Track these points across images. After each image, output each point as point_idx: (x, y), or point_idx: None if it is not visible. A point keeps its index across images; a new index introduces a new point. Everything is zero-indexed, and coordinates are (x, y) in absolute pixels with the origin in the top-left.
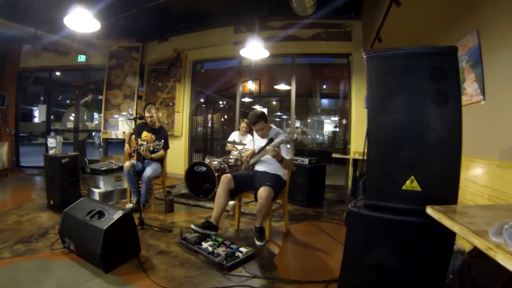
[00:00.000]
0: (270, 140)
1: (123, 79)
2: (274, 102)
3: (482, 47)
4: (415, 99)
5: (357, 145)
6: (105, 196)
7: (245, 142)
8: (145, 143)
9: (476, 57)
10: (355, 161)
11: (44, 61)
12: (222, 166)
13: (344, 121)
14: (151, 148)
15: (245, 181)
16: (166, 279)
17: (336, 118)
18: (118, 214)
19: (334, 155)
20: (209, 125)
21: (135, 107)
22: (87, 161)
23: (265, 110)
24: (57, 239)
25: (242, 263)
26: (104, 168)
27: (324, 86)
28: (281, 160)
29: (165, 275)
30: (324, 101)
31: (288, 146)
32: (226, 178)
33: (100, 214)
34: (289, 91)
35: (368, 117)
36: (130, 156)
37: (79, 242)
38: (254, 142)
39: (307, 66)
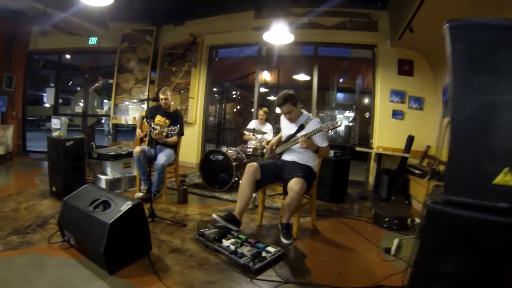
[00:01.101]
0: (301, 127)
1: (135, 63)
2: None
3: None
4: (510, 77)
5: (380, 140)
6: (113, 184)
7: (265, 131)
8: (158, 127)
9: None
10: (379, 156)
11: (54, 42)
12: (239, 155)
13: (367, 115)
14: (164, 134)
15: (273, 171)
16: (183, 285)
17: (351, 113)
18: (126, 206)
19: (358, 149)
20: (222, 115)
21: (146, 93)
22: (94, 146)
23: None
24: (56, 230)
25: (271, 265)
26: (112, 153)
27: (341, 80)
28: (316, 150)
29: (181, 279)
30: (339, 96)
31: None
32: (252, 167)
33: (105, 205)
34: (307, 83)
35: (451, 96)
36: (141, 141)
37: (80, 236)
38: (281, 128)
39: (325, 59)
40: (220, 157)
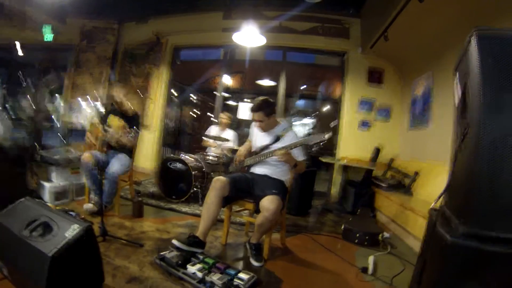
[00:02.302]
0: (277, 139)
1: (94, 63)
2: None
3: None
4: None
5: (345, 150)
6: (58, 192)
7: (228, 138)
8: (111, 129)
9: None
10: (345, 167)
11: (5, 35)
12: (199, 164)
13: (332, 124)
14: (118, 135)
15: (243, 187)
16: None
17: (309, 120)
18: (72, 230)
19: (324, 160)
20: (180, 119)
21: (104, 94)
22: (37, 147)
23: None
24: None
25: None
26: (57, 157)
27: (302, 87)
28: (294, 165)
29: None
30: (300, 103)
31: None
32: (219, 182)
33: (46, 228)
34: (272, 88)
35: (478, 114)
36: (93, 146)
37: (15, 268)
38: (252, 136)
39: (289, 65)
40: (179, 165)
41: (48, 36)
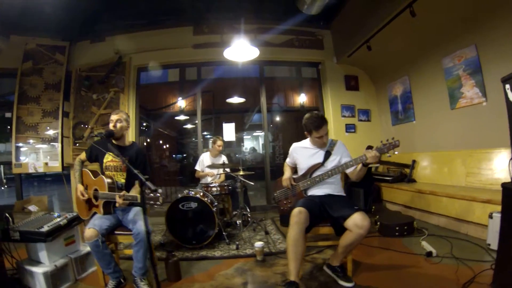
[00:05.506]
0: (327, 154)
1: (41, 90)
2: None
3: (481, 58)
4: None
5: None
6: (55, 277)
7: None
8: (110, 180)
9: (475, 66)
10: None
11: None
12: (209, 199)
13: None
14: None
15: (316, 213)
16: None
17: (261, 133)
18: None
19: None
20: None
21: (59, 129)
22: (10, 218)
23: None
24: None
25: None
26: (46, 229)
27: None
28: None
29: None
30: (256, 116)
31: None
32: (302, 214)
33: None
34: (242, 105)
35: None
36: (91, 205)
37: None
38: (296, 159)
39: (253, 80)
40: (194, 205)
41: None
